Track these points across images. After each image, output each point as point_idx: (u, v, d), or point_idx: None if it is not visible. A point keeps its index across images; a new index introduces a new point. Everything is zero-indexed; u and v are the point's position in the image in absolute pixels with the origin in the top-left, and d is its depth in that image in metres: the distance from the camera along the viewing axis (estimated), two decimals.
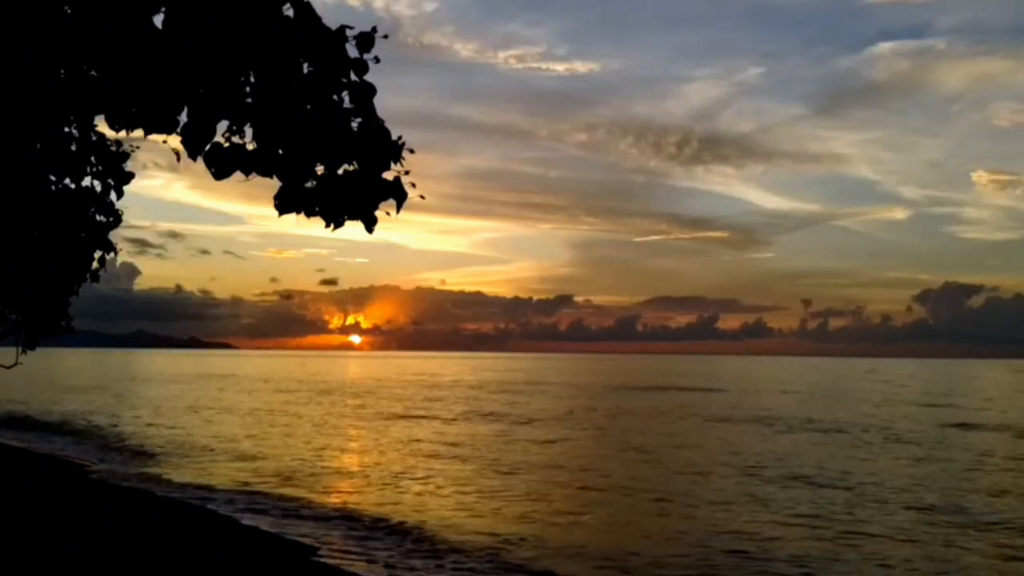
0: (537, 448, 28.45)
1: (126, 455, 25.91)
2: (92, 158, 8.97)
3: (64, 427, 34.17)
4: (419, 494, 19.28)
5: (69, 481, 19.64)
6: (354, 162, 5.46)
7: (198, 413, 42.13)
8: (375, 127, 5.44)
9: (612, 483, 21.20)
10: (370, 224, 5.62)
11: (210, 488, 19.51)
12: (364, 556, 13.33)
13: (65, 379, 77.75)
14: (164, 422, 36.56)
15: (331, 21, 5.25)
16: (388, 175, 5.55)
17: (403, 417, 40.98)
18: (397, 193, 5.55)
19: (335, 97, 5.34)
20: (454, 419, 40.20)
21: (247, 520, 15.59)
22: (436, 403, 52.01)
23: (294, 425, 36.48)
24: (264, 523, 15.44)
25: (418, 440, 30.58)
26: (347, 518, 16.38)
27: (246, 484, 20.20)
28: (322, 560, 12.82)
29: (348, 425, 37.05)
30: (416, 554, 13.55)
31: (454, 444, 29.32)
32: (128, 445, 28.19)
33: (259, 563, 12.38)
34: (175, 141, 5.23)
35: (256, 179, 5.33)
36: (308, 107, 5.24)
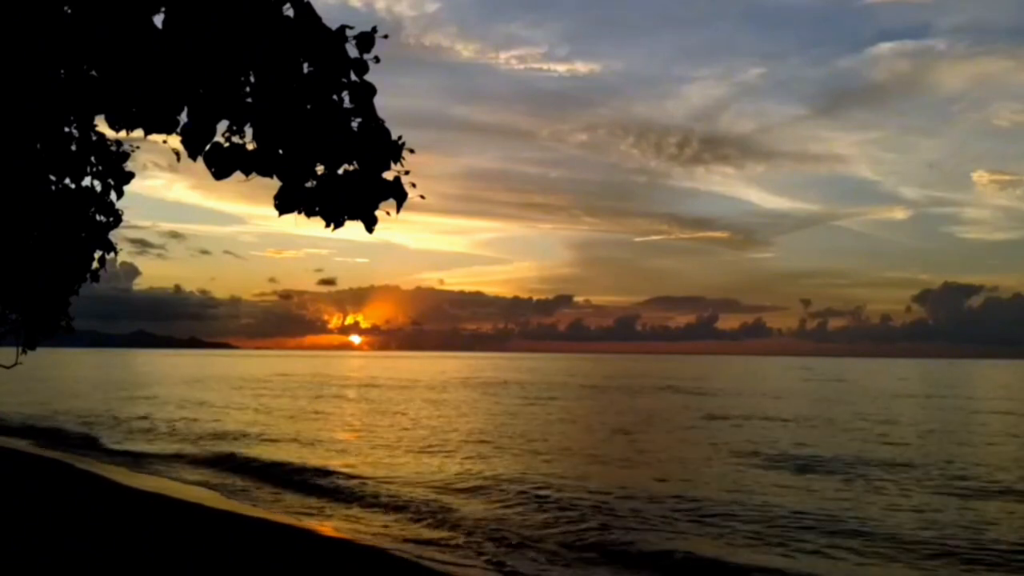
0: None
1: None
2: (92, 158, 8.96)
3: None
4: None
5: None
6: (354, 162, 5.45)
7: None
8: (375, 127, 5.43)
9: None
10: (370, 224, 5.61)
11: None
12: None
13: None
14: None
15: (331, 21, 5.25)
16: (388, 175, 5.54)
17: None
18: (397, 193, 5.54)
19: (335, 97, 5.33)
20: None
21: None
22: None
23: None
24: None
25: None
26: None
27: None
28: None
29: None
30: None
31: None
32: None
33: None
34: (175, 141, 5.22)
35: (256, 179, 5.32)
36: (308, 107, 5.23)
